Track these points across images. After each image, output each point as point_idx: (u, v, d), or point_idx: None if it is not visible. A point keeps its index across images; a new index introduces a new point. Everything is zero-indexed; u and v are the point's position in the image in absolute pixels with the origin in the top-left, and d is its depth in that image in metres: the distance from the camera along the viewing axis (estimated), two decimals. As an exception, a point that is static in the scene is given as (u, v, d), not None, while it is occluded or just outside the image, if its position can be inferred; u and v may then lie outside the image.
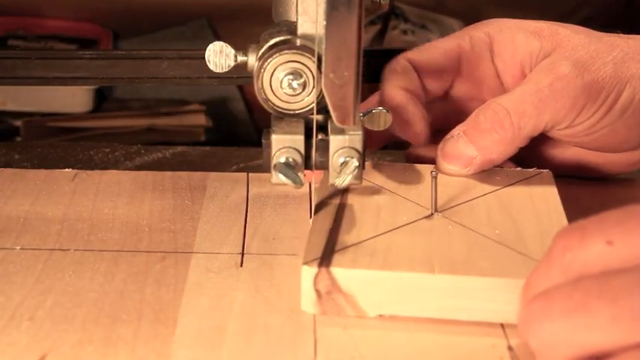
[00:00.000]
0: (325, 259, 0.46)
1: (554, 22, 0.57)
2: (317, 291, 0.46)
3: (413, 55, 0.58)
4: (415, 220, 0.50)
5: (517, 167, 0.57)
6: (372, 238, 0.48)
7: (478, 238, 0.48)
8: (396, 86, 0.56)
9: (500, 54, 0.58)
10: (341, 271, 0.45)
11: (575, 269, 0.37)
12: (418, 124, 0.55)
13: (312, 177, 0.55)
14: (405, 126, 0.55)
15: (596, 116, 0.54)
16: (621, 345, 0.34)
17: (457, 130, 0.55)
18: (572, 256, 0.37)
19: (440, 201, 0.52)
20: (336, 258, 0.46)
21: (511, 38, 0.57)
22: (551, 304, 0.36)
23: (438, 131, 0.58)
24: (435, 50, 0.58)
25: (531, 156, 0.57)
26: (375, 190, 0.54)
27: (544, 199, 0.52)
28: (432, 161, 0.57)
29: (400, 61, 0.57)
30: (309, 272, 0.45)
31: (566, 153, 0.59)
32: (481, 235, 0.48)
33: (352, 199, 0.53)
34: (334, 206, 0.52)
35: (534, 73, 0.55)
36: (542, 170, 0.56)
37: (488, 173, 0.55)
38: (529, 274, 0.40)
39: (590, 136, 0.55)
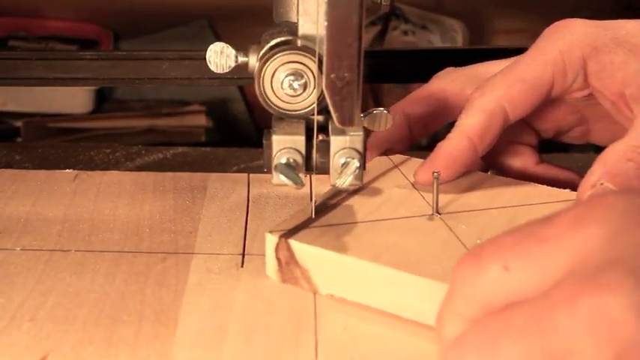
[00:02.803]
0: (291, 232, 0.48)
1: None
2: (278, 259, 0.48)
3: (505, 98, 0.54)
4: (407, 217, 0.51)
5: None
6: (351, 223, 0.49)
7: (456, 244, 0.48)
8: (464, 136, 0.54)
9: (597, 73, 0.54)
10: (297, 245, 0.47)
11: (478, 299, 0.36)
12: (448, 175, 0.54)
13: (311, 177, 0.55)
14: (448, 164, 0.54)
15: None
16: None
17: (597, 179, 0.51)
18: (472, 284, 0.36)
19: (456, 205, 0.52)
20: (302, 233, 0.48)
21: (609, 58, 0.54)
22: (464, 353, 0.35)
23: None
24: (530, 89, 0.54)
25: None
26: (402, 184, 0.54)
27: None
28: (547, 181, 0.56)
29: (492, 104, 0.54)
30: (271, 240, 0.48)
31: None
32: (461, 242, 0.48)
33: (366, 190, 0.53)
34: (343, 193, 0.53)
35: None
36: None
37: (527, 189, 0.54)
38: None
39: None
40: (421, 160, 0.55)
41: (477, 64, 0.60)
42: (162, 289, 0.48)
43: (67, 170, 0.62)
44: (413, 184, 0.54)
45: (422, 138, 0.61)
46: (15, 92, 1.49)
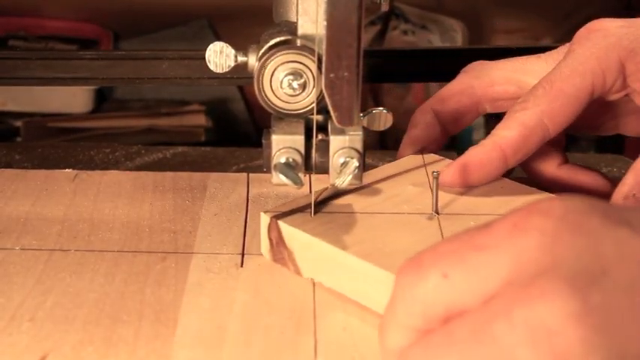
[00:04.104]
0: (284, 214, 0.50)
1: None
2: (270, 239, 0.50)
3: (547, 113, 0.53)
4: (405, 213, 0.51)
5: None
6: (346, 213, 0.50)
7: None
8: (497, 147, 0.53)
9: (636, 74, 0.54)
10: (285, 227, 0.49)
11: (418, 307, 0.35)
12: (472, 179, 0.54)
13: (311, 176, 0.55)
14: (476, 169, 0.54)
15: None
16: None
17: (629, 190, 0.51)
18: (412, 293, 0.35)
19: (461, 207, 0.52)
20: (293, 216, 0.50)
21: None
22: None
23: None
24: (572, 101, 0.53)
25: None
26: (418, 182, 0.54)
27: None
28: (570, 184, 0.56)
29: (533, 120, 0.53)
30: (264, 220, 0.50)
31: None
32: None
33: (379, 185, 0.54)
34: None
35: None
36: None
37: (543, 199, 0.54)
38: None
39: None
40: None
41: (508, 59, 0.59)
42: (162, 288, 0.48)
43: (67, 170, 0.62)
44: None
45: (455, 134, 0.61)
46: (15, 92, 1.49)
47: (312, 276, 0.49)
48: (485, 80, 0.59)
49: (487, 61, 0.60)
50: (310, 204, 0.51)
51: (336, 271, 0.47)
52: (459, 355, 0.33)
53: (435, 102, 0.60)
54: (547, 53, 0.58)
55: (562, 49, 0.57)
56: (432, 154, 0.58)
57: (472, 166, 0.53)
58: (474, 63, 0.61)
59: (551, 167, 0.58)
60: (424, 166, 0.57)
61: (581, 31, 0.55)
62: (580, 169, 0.58)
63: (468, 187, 0.54)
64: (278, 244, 0.50)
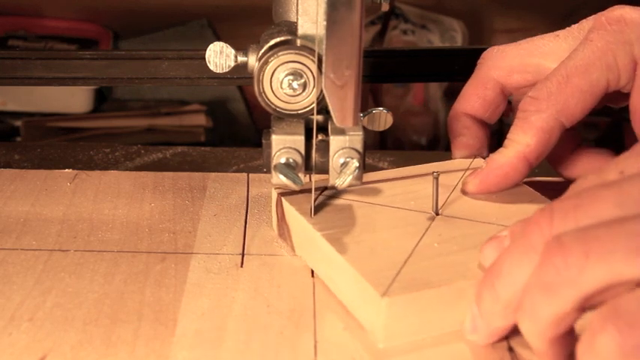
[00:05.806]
0: (290, 192, 0.52)
1: None
2: (277, 214, 0.53)
3: (562, 112, 0.53)
4: (406, 209, 0.51)
5: None
6: (350, 200, 0.52)
7: (412, 242, 0.48)
8: (522, 156, 0.53)
9: None
10: (286, 204, 0.52)
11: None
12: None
13: (311, 177, 0.55)
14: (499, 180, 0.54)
15: None
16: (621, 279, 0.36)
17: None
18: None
19: (464, 211, 0.51)
20: (298, 195, 0.52)
21: None
22: (567, 250, 0.37)
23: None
24: (587, 97, 0.53)
25: None
26: (444, 183, 0.54)
27: None
28: (583, 168, 0.57)
29: (550, 122, 0.53)
30: (274, 195, 0.54)
31: None
32: (418, 242, 0.48)
33: (403, 180, 0.55)
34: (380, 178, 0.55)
35: None
36: None
37: None
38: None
39: None
40: None
41: (525, 41, 0.58)
42: (162, 289, 0.48)
43: (67, 170, 0.62)
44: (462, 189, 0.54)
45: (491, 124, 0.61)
46: (14, 92, 1.49)
47: (301, 254, 0.51)
48: (503, 70, 0.58)
49: (503, 47, 0.59)
50: (324, 187, 0.53)
51: (312, 250, 0.49)
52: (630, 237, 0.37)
53: (463, 104, 0.59)
54: (567, 30, 0.57)
55: (585, 24, 0.56)
56: (480, 159, 0.57)
57: (497, 177, 0.53)
58: (490, 49, 0.60)
59: (568, 152, 0.58)
60: (464, 170, 0.56)
61: (601, 19, 0.54)
62: (594, 152, 0.58)
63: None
64: (281, 219, 0.53)
